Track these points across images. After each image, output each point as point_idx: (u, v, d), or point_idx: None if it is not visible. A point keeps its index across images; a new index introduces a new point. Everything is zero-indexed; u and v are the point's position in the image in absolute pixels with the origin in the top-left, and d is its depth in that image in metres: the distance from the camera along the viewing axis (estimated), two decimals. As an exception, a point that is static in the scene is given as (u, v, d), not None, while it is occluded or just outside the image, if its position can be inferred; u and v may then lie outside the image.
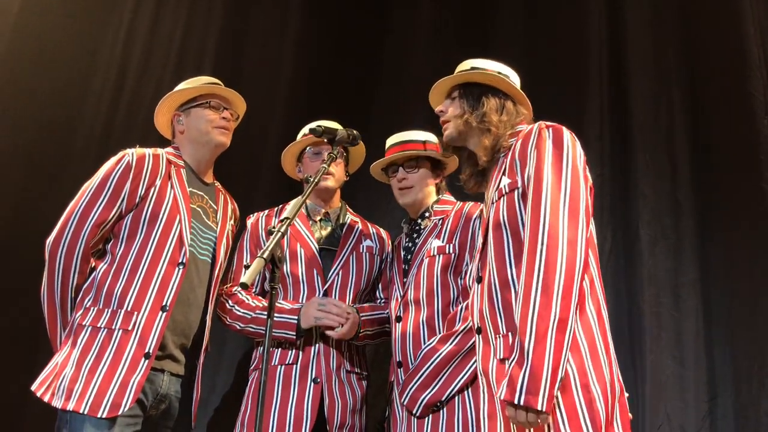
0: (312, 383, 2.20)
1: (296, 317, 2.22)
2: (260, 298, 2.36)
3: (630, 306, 2.59)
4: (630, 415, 1.70)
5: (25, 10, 2.85)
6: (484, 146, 1.93)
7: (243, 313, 2.30)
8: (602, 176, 2.79)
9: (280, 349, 2.27)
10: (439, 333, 2.15)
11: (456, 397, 2.01)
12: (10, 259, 2.70)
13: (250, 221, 2.49)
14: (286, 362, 2.24)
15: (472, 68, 2.03)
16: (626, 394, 1.69)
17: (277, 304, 2.17)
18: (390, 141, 2.48)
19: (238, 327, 2.31)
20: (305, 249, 2.37)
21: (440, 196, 2.43)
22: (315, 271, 2.34)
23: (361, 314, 2.30)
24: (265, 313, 2.23)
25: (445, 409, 2.02)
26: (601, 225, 2.68)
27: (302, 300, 2.31)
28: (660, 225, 2.66)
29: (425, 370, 2.05)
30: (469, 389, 2.03)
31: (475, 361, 1.95)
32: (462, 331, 2.04)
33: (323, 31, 3.70)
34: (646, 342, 2.49)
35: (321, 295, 2.31)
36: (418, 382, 2.05)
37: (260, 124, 3.34)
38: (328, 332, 2.22)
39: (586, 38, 3.09)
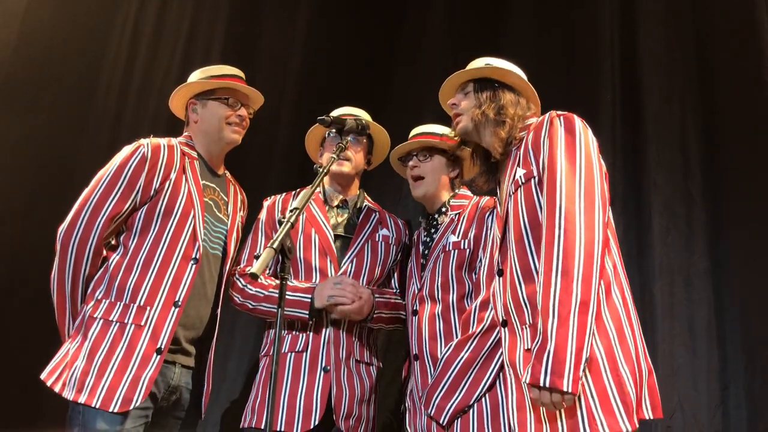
0: (322, 372, 2.19)
1: (310, 296, 2.21)
2: (272, 278, 2.34)
3: (642, 295, 2.58)
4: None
5: (32, 6, 2.87)
6: (499, 138, 1.95)
7: (255, 291, 2.29)
8: (614, 166, 2.78)
9: (290, 335, 2.25)
10: (454, 326, 2.16)
11: (483, 399, 1.98)
12: (22, 248, 2.73)
13: (266, 203, 2.49)
14: (296, 349, 2.23)
15: (487, 65, 2.07)
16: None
17: (290, 283, 2.17)
18: (411, 133, 2.50)
19: (249, 306, 2.30)
20: (320, 235, 2.36)
21: (457, 191, 2.43)
22: (328, 258, 2.33)
23: (375, 295, 2.30)
24: (278, 291, 2.23)
25: (475, 409, 1.98)
26: (613, 214, 2.66)
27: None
28: (672, 214, 2.65)
29: (447, 379, 2.03)
30: (496, 389, 1.99)
31: (496, 364, 1.96)
32: (478, 334, 2.03)
33: (336, 17, 3.69)
34: (658, 331, 2.49)
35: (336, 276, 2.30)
36: (443, 392, 2.03)
37: (271, 111, 3.33)
38: (340, 307, 2.19)
39: (599, 28, 3.07)
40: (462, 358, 2.02)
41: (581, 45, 3.11)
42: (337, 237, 2.39)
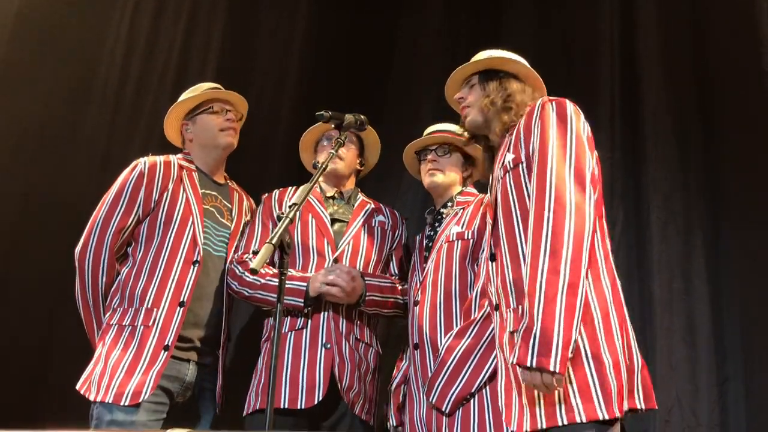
0: (323, 348, 2.21)
1: (305, 284, 2.23)
2: (270, 266, 2.35)
3: (641, 290, 2.58)
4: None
5: (25, 6, 2.86)
6: (502, 122, 1.94)
7: (252, 279, 2.29)
8: (612, 159, 2.78)
9: (289, 316, 2.27)
10: (456, 315, 2.16)
11: (484, 389, 1.98)
12: (18, 246, 2.73)
13: (264, 197, 2.52)
14: (296, 328, 2.25)
15: (489, 56, 2.06)
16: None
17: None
18: (428, 129, 2.51)
19: (246, 294, 2.31)
20: (317, 219, 2.39)
21: (464, 188, 2.44)
22: (325, 240, 2.36)
23: (366, 279, 2.31)
24: (275, 279, 2.24)
25: (475, 399, 1.98)
26: (611, 209, 2.67)
27: (311, 268, 2.32)
28: (671, 209, 2.65)
29: (448, 367, 2.03)
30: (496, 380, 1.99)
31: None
32: (479, 321, 2.03)
33: (333, 21, 3.69)
34: (656, 326, 2.49)
35: (331, 264, 2.31)
36: (444, 379, 2.03)
37: (271, 112, 3.36)
38: (331, 290, 2.20)
39: (598, 24, 3.07)
40: (463, 345, 2.02)
41: (581, 41, 3.11)
42: (333, 221, 2.42)
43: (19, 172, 2.75)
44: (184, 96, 2.48)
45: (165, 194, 2.29)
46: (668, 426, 2.40)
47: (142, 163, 2.32)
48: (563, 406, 1.53)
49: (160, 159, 2.36)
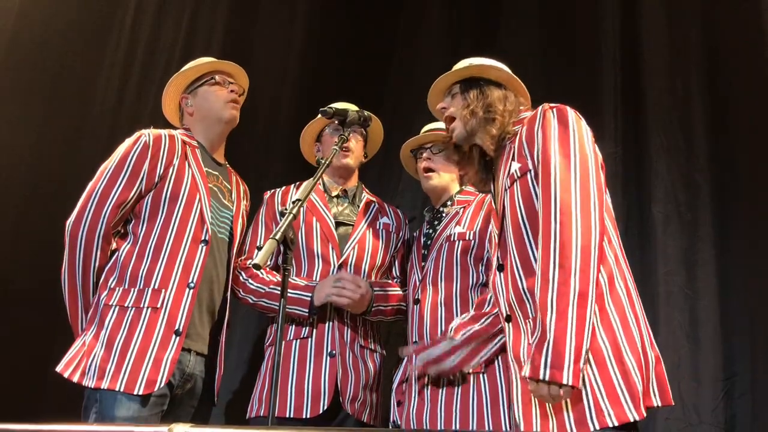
0: (328, 357, 2.20)
1: (310, 294, 2.22)
2: (274, 273, 2.35)
3: (644, 285, 2.56)
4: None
5: (27, 4, 2.86)
6: (490, 135, 1.95)
7: (256, 287, 2.29)
8: (615, 154, 2.77)
9: (294, 324, 2.26)
10: (457, 315, 2.15)
11: (483, 387, 2.00)
12: (20, 242, 2.73)
13: (266, 196, 2.50)
14: (302, 336, 2.24)
15: (470, 64, 2.06)
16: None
17: (291, 280, 2.18)
18: (424, 128, 2.50)
19: (250, 301, 2.31)
20: (321, 223, 2.37)
21: (464, 187, 2.43)
22: (330, 245, 2.34)
23: (374, 289, 2.30)
24: (279, 288, 2.19)
25: (474, 396, 2.01)
26: (614, 204, 2.64)
27: (316, 274, 2.31)
28: (674, 203, 2.64)
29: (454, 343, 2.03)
30: (496, 377, 2.01)
31: (498, 342, 1.98)
32: (493, 315, 2.03)
33: (334, 19, 3.69)
34: (660, 321, 2.48)
35: (336, 270, 2.31)
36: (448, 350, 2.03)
37: (270, 109, 3.36)
38: (339, 300, 2.20)
39: (600, 14, 3.06)
40: (472, 328, 2.02)
41: (583, 33, 3.10)
42: (338, 224, 2.40)
43: (21, 171, 2.75)
44: (183, 69, 2.37)
45: (170, 169, 2.14)
46: (669, 423, 2.38)
47: (147, 134, 2.16)
48: (593, 412, 1.53)
49: (164, 132, 2.21)
